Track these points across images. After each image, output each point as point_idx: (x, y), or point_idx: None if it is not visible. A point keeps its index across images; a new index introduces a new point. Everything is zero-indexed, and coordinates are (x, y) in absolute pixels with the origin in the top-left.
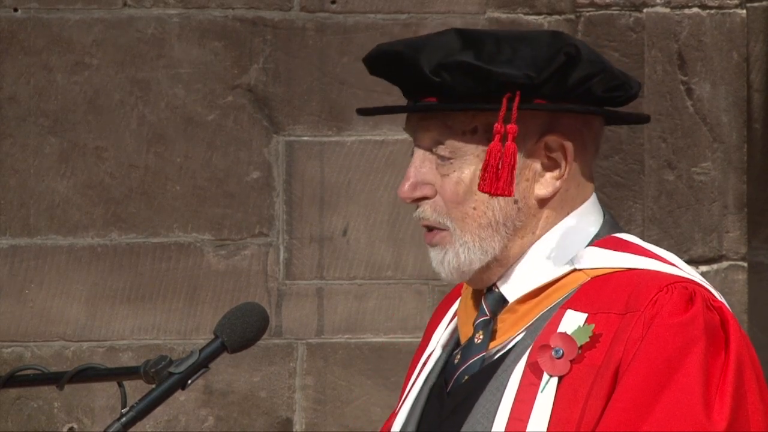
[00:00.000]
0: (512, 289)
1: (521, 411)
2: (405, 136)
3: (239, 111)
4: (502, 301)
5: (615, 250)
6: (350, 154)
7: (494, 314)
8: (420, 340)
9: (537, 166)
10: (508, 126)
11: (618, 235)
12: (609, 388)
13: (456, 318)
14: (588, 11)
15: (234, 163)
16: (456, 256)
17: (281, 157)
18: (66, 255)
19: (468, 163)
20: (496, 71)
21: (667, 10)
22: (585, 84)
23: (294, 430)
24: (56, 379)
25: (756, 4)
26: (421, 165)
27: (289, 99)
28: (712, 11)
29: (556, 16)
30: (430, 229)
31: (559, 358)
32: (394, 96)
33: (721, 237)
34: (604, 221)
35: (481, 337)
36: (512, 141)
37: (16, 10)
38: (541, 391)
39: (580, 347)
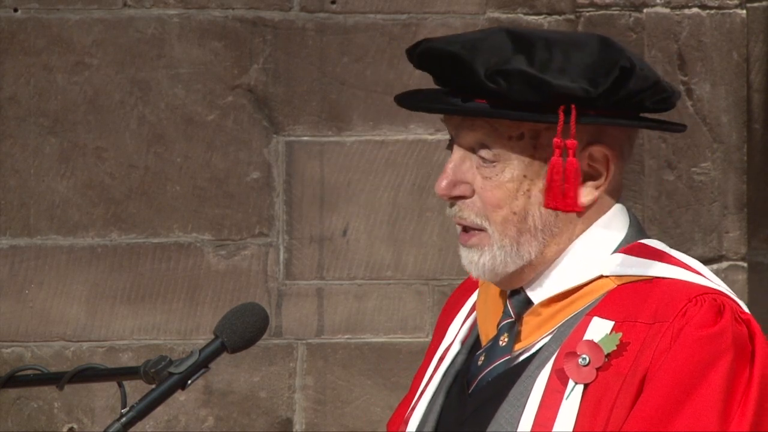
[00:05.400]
0: (538, 291)
1: (546, 417)
2: (405, 136)
3: (239, 111)
4: (527, 302)
5: (641, 257)
6: (350, 154)
7: (519, 316)
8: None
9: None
10: (568, 141)
11: (644, 241)
12: (634, 397)
13: (475, 313)
14: (588, 11)
15: (234, 164)
16: (492, 258)
17: (281, 157)
18: (66, 255)
19: (512, 168)
20: (556, 84)
21: (667, 10)
22: (636, 97)
23: (294, 430)
24: (56, 379)
25: (756, 4)
26: (461, 163)
27: (289, 99)
28: (712, 11)
29: (556, 16)
30: (466, 229)
31: (586, 365)
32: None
33: (721, 237)
34: (630, 226)
35: (506, 340)
36: (573, 156)
37: (16, 10)
38: (566, 398)
39: (607, 355)
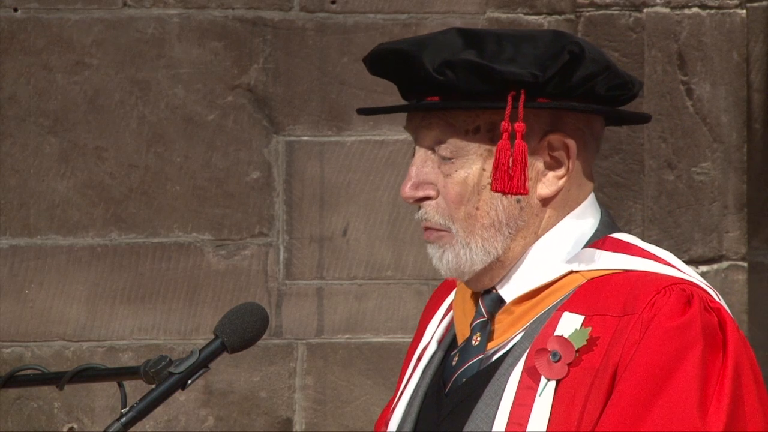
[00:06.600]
0: (510, 290)
1: (520, 415)
2: (405, 135)
3: (239, 111)
4: (500, 301)
5: (612, 251)
6: (350, 154)
7: (491, 315)
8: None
9: (540, 165)
10: (516, 124)
11: (615, 235)
12: (607, 392)
13: (451, 312)
14: (588, 11)
15: (234, 163)
16: (456, 256)
17: (281, 157)
18: (66, 255)
19: (471, 163)
20: (501, 70)
21: (667, 10)
22: (588, 83)
23: (294, 430)
24: (56, 379)
25: (756, 4)
26: (423, 165)
27: (289, 99)
28: (712, 11)
29: (556, 16)
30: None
31: (557, 361)
32: (395, 96)
33: (721, 237)
34: (601, 221)
35: (479, 339)
36: (521, 139)
37: (16, 10)
38: (539, 395)
39: (578, 350)
